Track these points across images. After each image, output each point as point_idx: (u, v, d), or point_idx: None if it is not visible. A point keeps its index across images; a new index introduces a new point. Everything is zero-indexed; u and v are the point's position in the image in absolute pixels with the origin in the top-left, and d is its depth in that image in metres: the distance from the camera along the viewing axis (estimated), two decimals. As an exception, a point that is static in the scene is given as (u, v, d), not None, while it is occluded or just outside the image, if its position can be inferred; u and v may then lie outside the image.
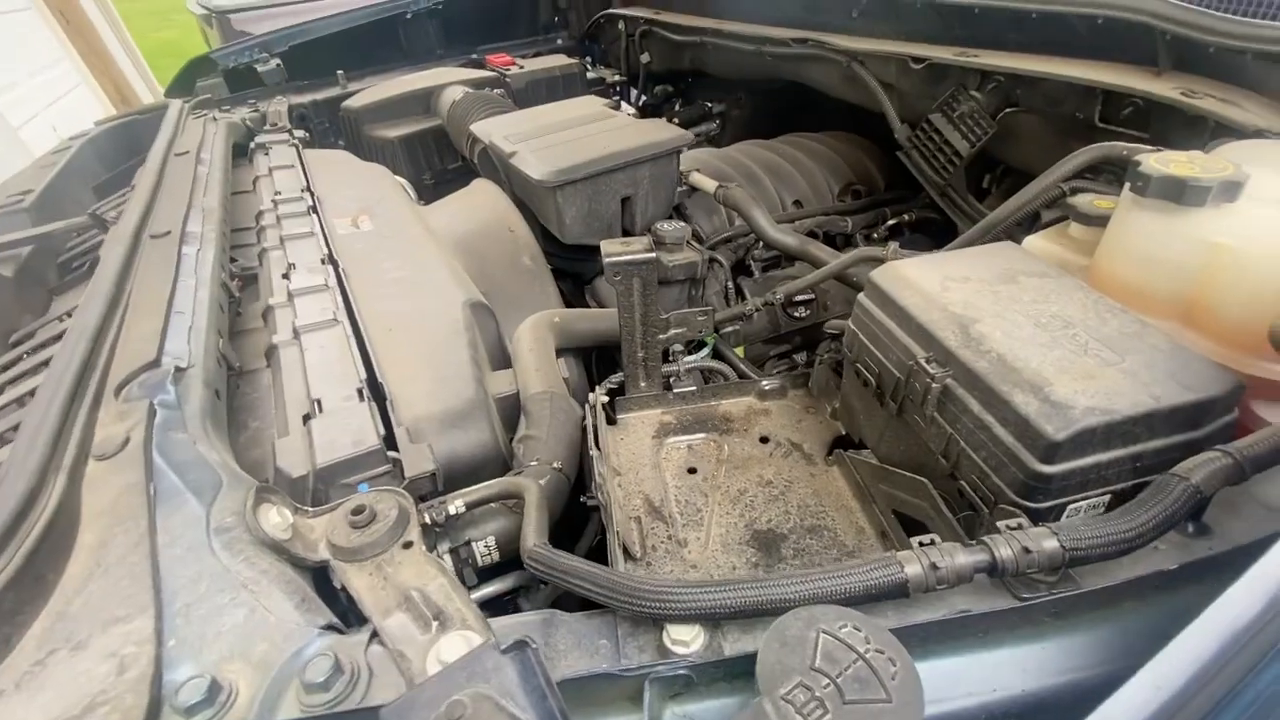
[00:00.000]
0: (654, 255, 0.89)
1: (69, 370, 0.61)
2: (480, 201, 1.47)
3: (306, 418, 0.73)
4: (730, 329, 1.29)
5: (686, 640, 0.42)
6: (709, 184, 1.38)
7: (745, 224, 1.48)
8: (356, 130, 1.93)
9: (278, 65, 2.00)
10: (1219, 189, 0.65)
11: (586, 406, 0.93)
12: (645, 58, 2.22)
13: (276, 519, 0.56)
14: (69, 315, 0.95)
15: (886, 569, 0.42)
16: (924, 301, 0.71)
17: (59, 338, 0.89)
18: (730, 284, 1.43)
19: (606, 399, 1.01)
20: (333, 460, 0.65)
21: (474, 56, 2.38)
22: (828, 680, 0.32)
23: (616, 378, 1.08)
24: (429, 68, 2.25)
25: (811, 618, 0.35)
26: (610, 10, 2.28)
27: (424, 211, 1.50)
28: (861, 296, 0.81)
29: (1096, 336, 0.63)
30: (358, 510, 0.56)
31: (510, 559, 0.72)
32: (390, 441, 0.71)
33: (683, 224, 1.26)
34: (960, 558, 0.42)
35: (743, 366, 1.22)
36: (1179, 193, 0.66)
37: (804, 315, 1.46)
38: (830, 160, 1.77)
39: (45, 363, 0.88)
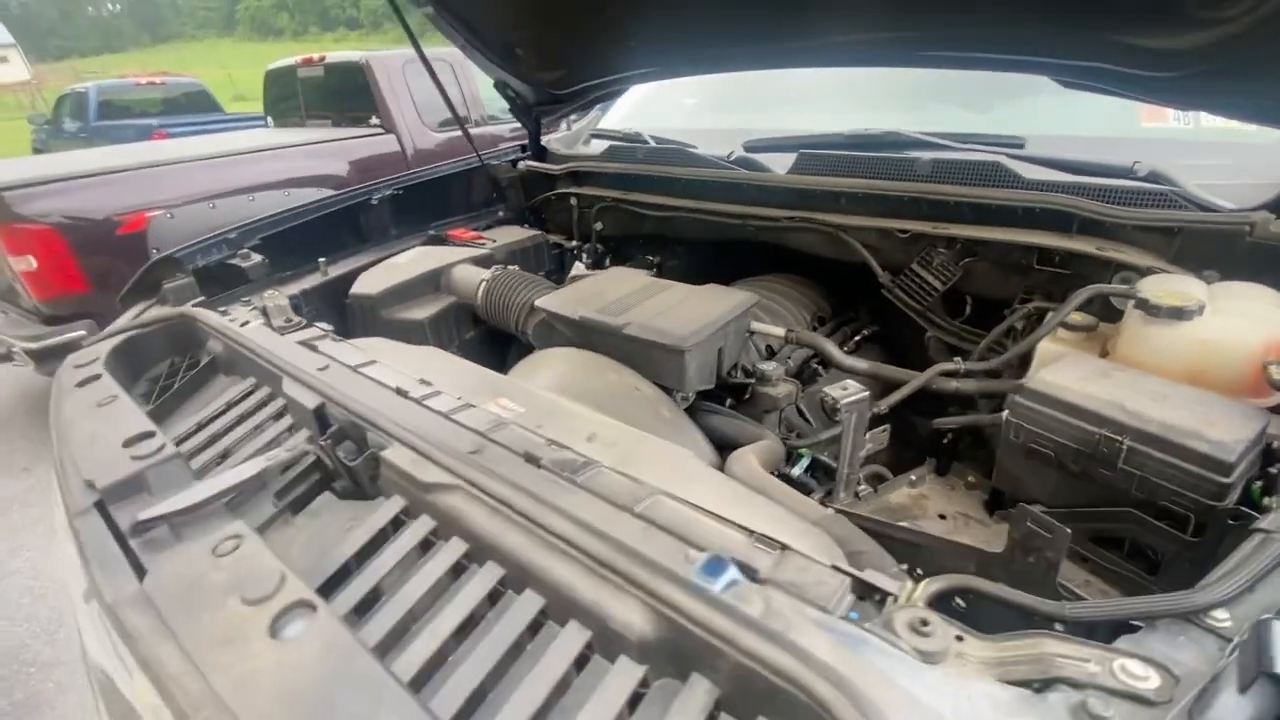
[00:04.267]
0: (867, 394, 1.19)
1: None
2: (578, 367, 1.61)
3: (756, 578, 0.85)
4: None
5: (1227, 619, 0.69)
6: (778, 331, 1.72)
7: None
8: (371, 316, 1.91)
9: (263, 260, 1.91)
10: (1196, 309, 1.17)
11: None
12: (599, 226, 2.57)
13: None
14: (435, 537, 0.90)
15: None
16: (1082, 396, 1.11)
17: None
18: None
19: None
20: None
21: (431, 232, 2.49)
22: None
23: (817, 495, 1.31)
24: (394, 248, 2.32)
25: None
26: (560, 190, 2.60)
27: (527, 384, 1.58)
28: (1018, 398, 1.18)
29: (1187, 400, 1.08)
30: (925, 622, 0.74)
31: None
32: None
33: (776, 363, 1.57)
34: None
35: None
36: (1179, 315, 1.17)
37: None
38: (793, 297, 2.26)
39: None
